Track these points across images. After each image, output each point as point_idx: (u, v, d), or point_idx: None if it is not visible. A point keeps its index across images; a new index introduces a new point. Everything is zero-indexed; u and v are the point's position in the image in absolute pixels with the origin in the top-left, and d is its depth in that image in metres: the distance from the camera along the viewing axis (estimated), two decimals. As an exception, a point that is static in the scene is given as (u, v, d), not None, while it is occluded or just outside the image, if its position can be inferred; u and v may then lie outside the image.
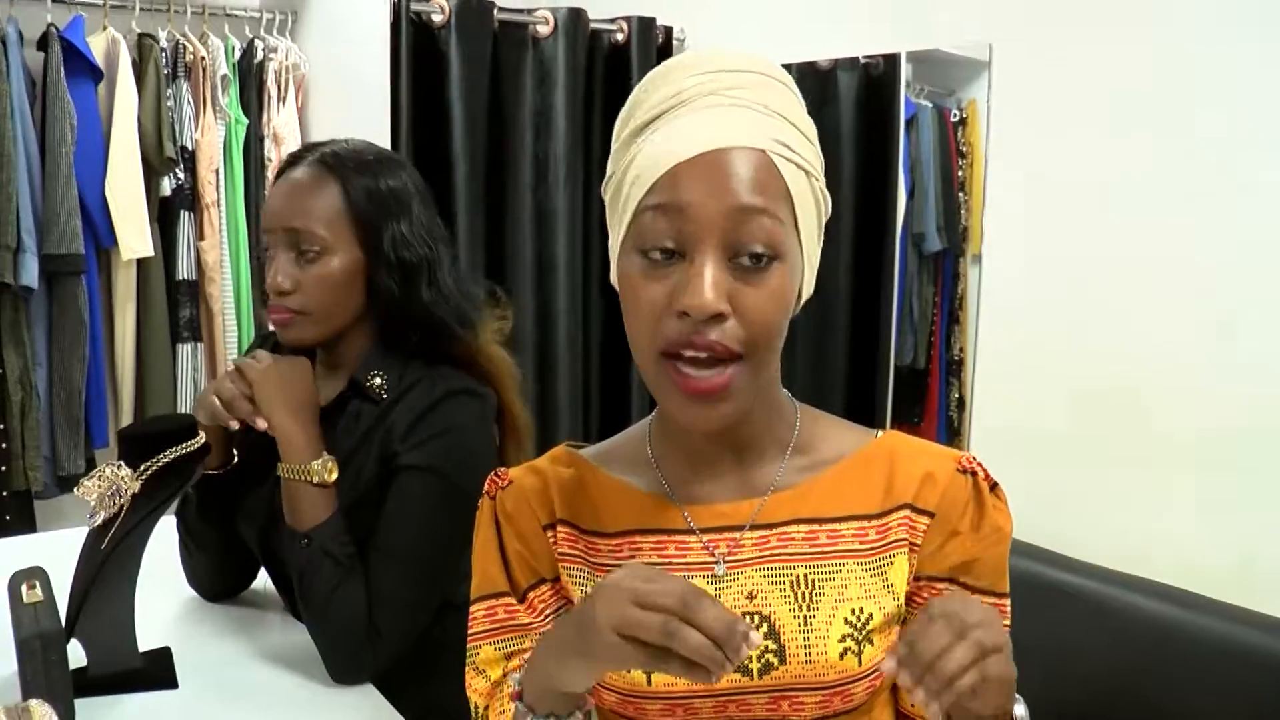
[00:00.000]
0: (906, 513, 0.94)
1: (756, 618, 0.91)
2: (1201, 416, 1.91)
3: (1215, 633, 1.88)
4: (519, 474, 1.02)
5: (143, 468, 1.25)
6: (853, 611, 0.91)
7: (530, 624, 0.98)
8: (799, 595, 0.91)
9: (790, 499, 0.94)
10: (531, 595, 0.99)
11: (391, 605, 1.31)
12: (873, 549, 0.94)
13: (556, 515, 0.98)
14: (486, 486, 1.02)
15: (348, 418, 1.42)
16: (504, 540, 0.99)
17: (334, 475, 1.34)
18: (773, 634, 0.90)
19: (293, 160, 1.44)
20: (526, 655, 0.96)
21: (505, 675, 0.97)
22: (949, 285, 3.20)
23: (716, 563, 0.93)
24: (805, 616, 0.91)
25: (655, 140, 0.85)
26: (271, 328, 1.46)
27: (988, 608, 0.78)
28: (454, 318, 1.44)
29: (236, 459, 1.46)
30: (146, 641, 1.34)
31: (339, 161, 1.41)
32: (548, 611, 0.99)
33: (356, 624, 1.30)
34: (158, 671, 1.32)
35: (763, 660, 0.90)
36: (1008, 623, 0.95)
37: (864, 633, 0.91)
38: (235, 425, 1.37)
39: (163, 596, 1.55)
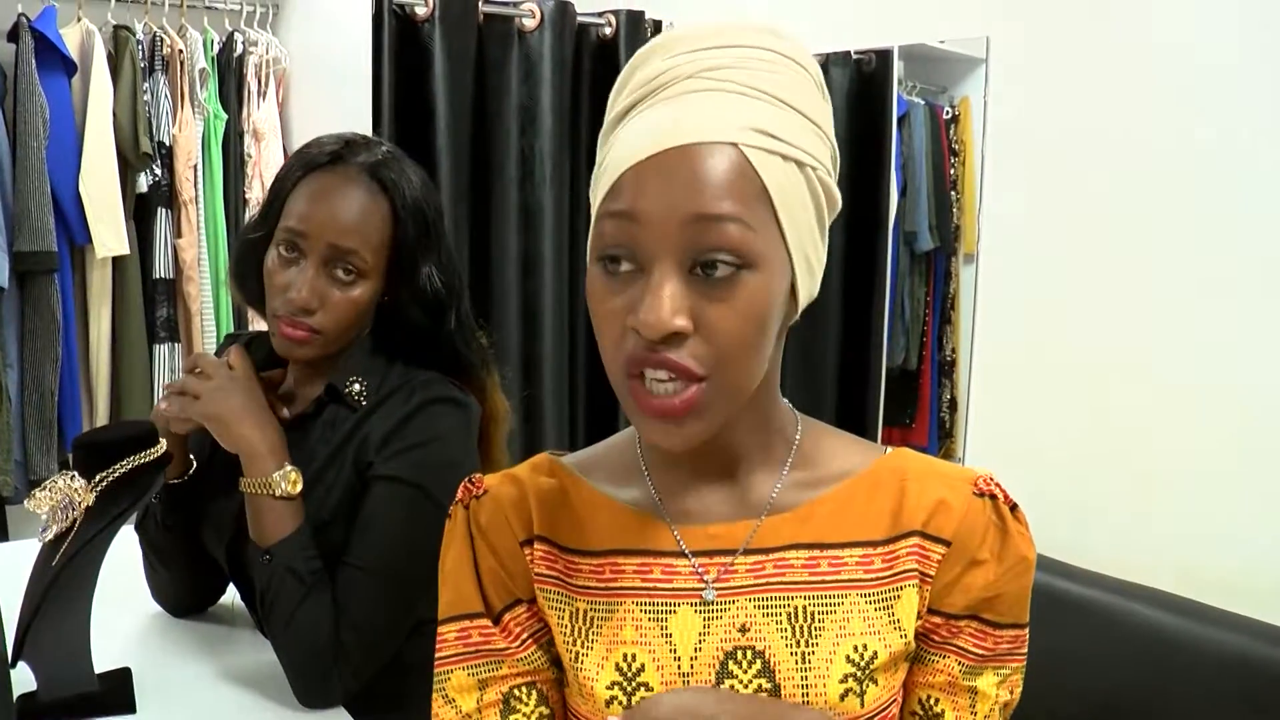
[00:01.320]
0: (917, 540, 0.86)
1: (750, 653, 0.83)
2: (1203, 421, 1.86)
3: (1215, 641, 1.83)
4: (495, 482, 0.94)
5: (98, 478, 1.18)
6: (855, 649, 0.83)
7: (506, 649, 0.90)
8: (797, 629, 0.83)
9: (789, 521, 0.86)
10: (507, 618, 0.91)
11: (360, 624, 1.24)
12: (878, 579, 0.85)
13: (535, 531, 0.90)
14: (459, 494, 0.94)
15: (323, 425, 1.35)
16: (478, 556, 0.91)
17: (297, 487, 1.27)
18: (766, 672, 0.83)
19: (334, 158, 1.33)
20: (504, 684, 0.89)
21: (480, 709, 0.90)
22: (941, 285, 3.15)
23: (705, 588, 0.85)
24: (804, 653, 0.83)
25: (623, 137, 0.77)
26: (257, 328, 1.39)
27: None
28: (478, 356, 1.41)
29: (195, 466, 1.40)
30: (104, 662, 1.26)
31: (394, 183, 1.33)
32: (524, 636, 0.91)
33: (322, 644, 1.23)
34: (114, 695, 1.25)
35: None
36: (1024, 655, 0.89)
37: (867, 672, 0.83)
38: (183, 429, 1.32)
39: (123, 612, 1.48)
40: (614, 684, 0.84)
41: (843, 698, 0.82)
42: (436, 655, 0.92)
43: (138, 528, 1.45)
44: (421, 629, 1.32)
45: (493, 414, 1.43)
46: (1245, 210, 1.77)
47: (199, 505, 1.41)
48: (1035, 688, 1.24)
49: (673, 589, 0.86)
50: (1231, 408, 1.82)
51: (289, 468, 1.27)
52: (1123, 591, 1.95)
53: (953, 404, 3.07)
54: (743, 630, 0.84)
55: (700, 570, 0.86)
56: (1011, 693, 0.89)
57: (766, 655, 0.83)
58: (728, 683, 0.83)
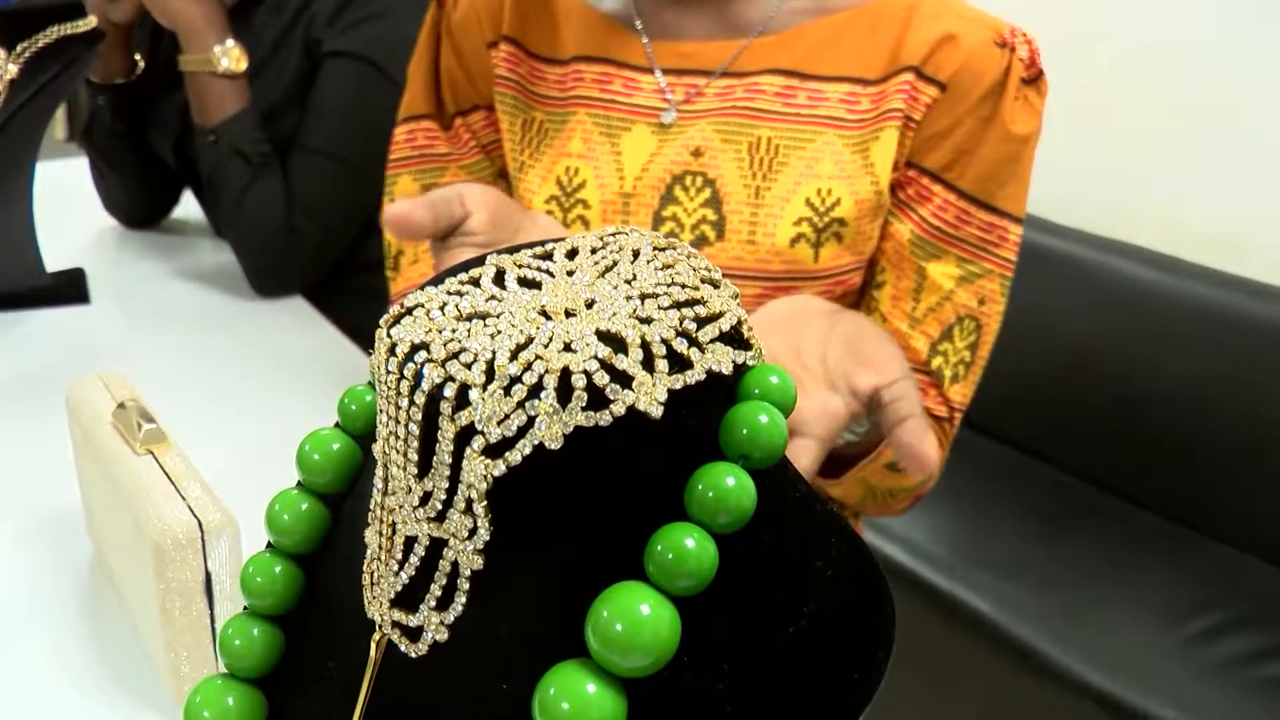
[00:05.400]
0: (909, 78, 0.75)
1: (700, 180, 0.76)
2: (1197, 71, 1.77)
3: (1194, 296, 1.83)
4: None
5: (20, 47, 1.09)
6: (818, 192, 0.75)
7: (449, 154, 0.87)
8: (756, 161, 0.75)
9: (773, 45, 0.77)
10: (459, 123, 0.88)
11: (313, 206, 1.19)
12: (861, 120, 0.76)
13: (504, 31, 0.84)
14: None
15: (269, 9, 1.25)
16: (440, 57, 0.87)
17: (241, 64, 1.18)
18: (714, 202, 0.76)
19: None
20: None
21: None
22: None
23: (666, 109, 0.78)
24: (758, 188, 0.75)
25: None
26: None
27: None
28: None
29: (142, 65, 1.31)
30: (57, 265, 1.22)
31: None
32: (473, 144, 0.88)
33: (272, 225, 1.18)
34: (66, 289, 1.21)
35: (697, 231, 0.76)
36: (1010, 259, 0.78)
37: (825, 220, 0.75)
38: (123, 17, 1.21)
39: (76, 222, 1.43)
40: (551, 198, 0.79)
41: (793, 243, 0.75)
42: (389, 158, 0.90)
43: (84, 136, 1.38)
44: (377, 227, 1.28)
45: None
46: None
47: (146, 107, 1.33)
48: (1012, 343, 1.23)
49: (631, 104, 0.79)
50: (1233, 63, 1.73)
51: (230, 43, 1.17)
52: (1109, 249, 1.93)
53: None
54: (696, 154, 0.77)
55: (666, 89, 0.79)
56: (981, 302, 0.78)
57: (717, 185, 0.76)
58: (669, 209, 0.76)
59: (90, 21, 1.13)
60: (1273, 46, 1.69)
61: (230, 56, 1.17)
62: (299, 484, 0.39)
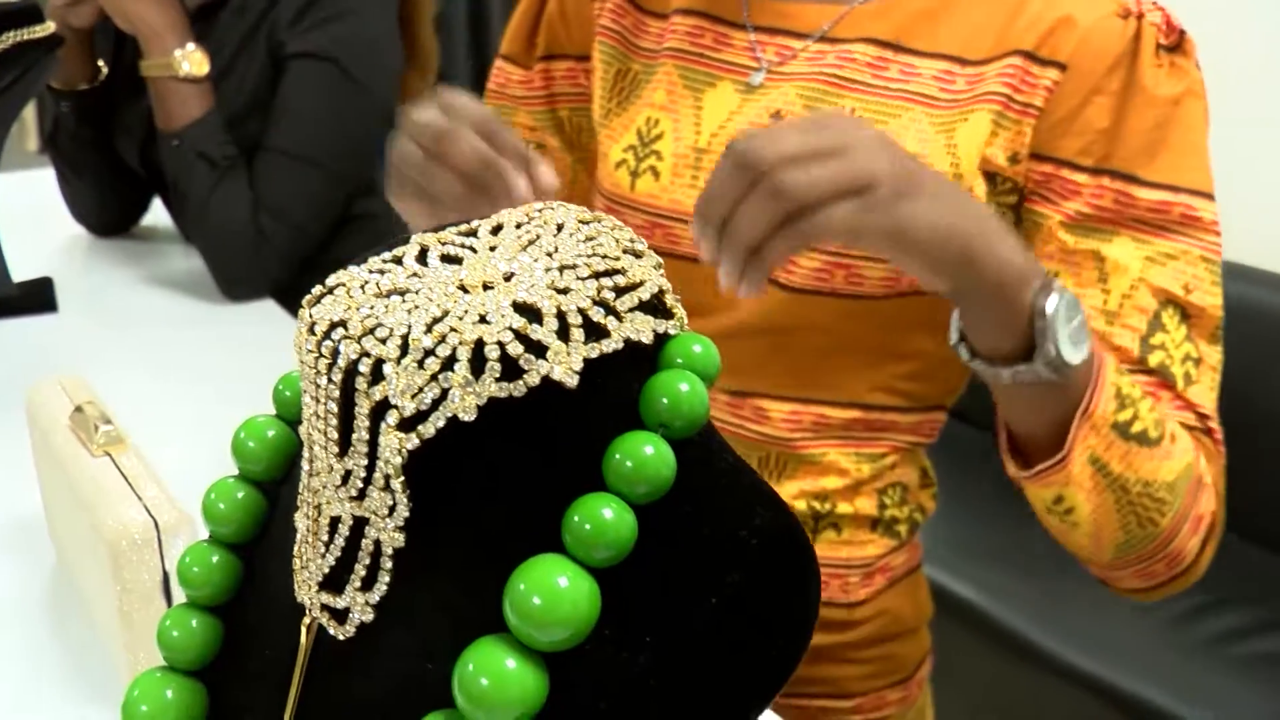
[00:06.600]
0: (1017, 62, 0.68)
1: None
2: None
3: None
4: None
5: (-24, 54, 1.08)
6: None
7: (524, 97, 0.87)
8: None
9: (873, 12, 0.72)
10: (539, 67, 0.87)
11: (280, 209, 1.18)
12: (954, 101, 0.70)
13: None
14: None
15: (232, 12, 1.24)
16: (548, 1, 0.86)
17: (203, 68, 1.17)
18: None
19: None
20: (517, 132, 0.85)
21: None
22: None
23: (757, 69, 0.74)
24: None
25: None
26: None
27: (834, 121, 0.57)
28: None
29: (105, 71, 1.30)
30: (24, 275, 1.21)
31: None
32: (545, 92, 0.87)
33: (238, 228, 1.17)
34: (34, 298, 1.20)
35: None
36: (1209, 239, 0.67)
37: None
38: (82, 21, 1.20)
39: (45, 232, 1.42)
40: (629, 148, 0.77)
41: None
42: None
43: (49, 143, 1.37)
44: (358, 224, 1.28)
45: (415, 52, 1.32)
46: None
47: (111, 112, 1.32)
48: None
49: (719, 60, 0.76)
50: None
51: (191, 47, 1.16)
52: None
53: None
54: (775, 117, 0.73)
55: (755, 45, 0.75)
56: (1186, 289, 0.66)
57: None
58: None
59: (49, 27, 1.12)
60: None
61: (191, 60, 1.16)
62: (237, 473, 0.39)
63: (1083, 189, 0.67)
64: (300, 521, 0.33)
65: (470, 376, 0.27)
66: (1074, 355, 0.57)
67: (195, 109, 1.17)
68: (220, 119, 1.19)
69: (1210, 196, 0.68)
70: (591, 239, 0.32)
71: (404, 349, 0.28)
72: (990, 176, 0.70)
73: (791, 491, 0.76)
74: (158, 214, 1.47)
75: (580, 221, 0.33)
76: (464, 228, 0.34)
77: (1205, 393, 0.68)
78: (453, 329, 0.28)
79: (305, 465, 0.33)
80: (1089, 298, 0.67)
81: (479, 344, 0.27)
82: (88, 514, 0.62)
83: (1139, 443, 0.61)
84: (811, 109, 0.72)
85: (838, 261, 0.70)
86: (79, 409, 0.68)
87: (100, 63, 1.30)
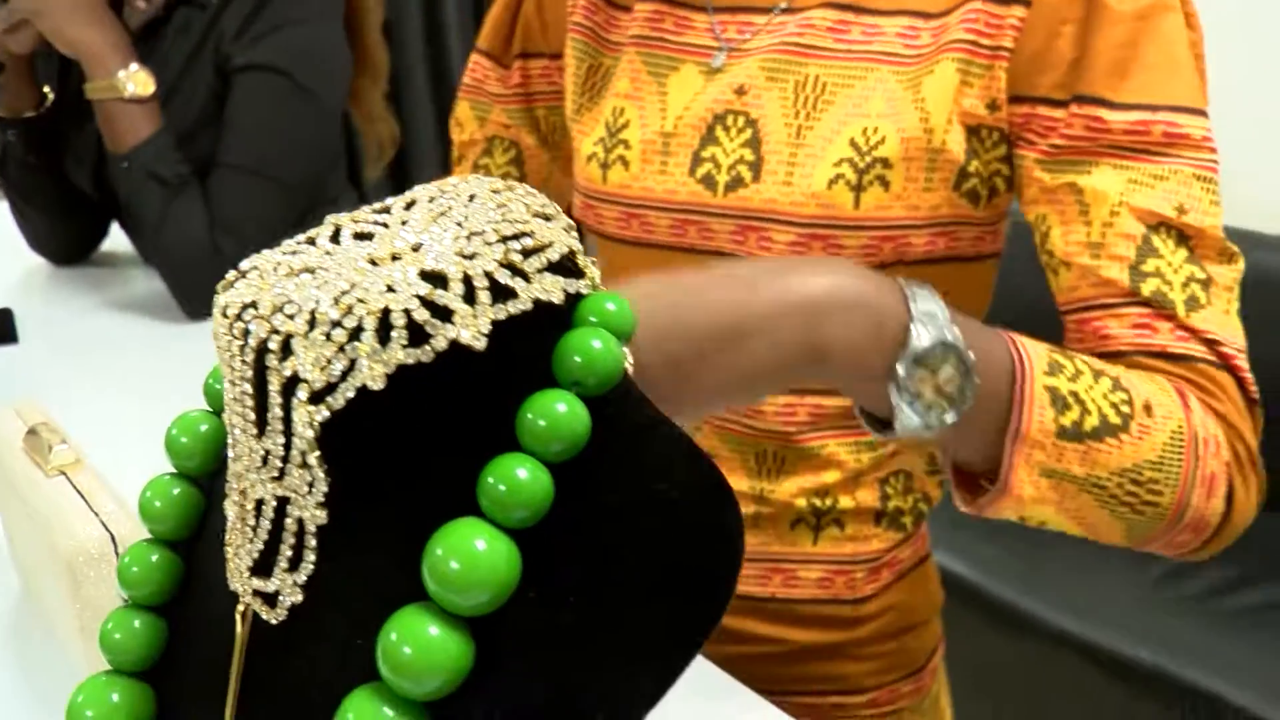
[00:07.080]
0: (977, 5, 0.66)
1: (742, 120, 0.71)
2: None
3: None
4: None
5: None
6: (864, 131, 0.67)
7: (499, 94, 0.88)
8: (801, 100, 0.70)
9: None
10: (517, 65, 0.87)
11: (235, 224, 1.18)
12: (919, 55, 0.68)
13: None
14: None
15: (175, 31, 1.23)
16: (524, 1, 0.87)
17: (149, 88, 1.16)
18: (754, 142, 0.71)
19: None
20: (490, 128, 0.89)
21: (472, 141, 0.90)
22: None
23: (718, 50, 0.74)
24: (799, 127, 0.69)
25: None
26: None
27: None
28: None
29: (52, 97, 1.29)
30: (-19, 305, 1.21)
31: None
32: (521, 91, 0.88)
33: (195, 245, 1.17)
34: (-6, 328, 1.20)
35: (732, 173, 0.71)
36: (1201, 158, 0.63)
37: (868, 160, 0.68)
38: (21, 48, 1.20)
39: (4, 263, 1.41)
40: (599, 140, 0.77)
41: (830, 184, 0.68)
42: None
43: (-1, 175, 1.36)
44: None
45: (359, 2, 1.31)
46: None
47: (60, 138, 1.31)
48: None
49: (680, 43, 0.76)
50: None
51: (135, 67, 1.16)
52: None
53: None
54: (739, 92, 0.72)
55: (717, 28, 0.75)
56: (1181, 210, 0.62)
57: (759, 124, 0.71)
58: (709, 150, 0.72)
59: (-11, 61, 1.12)
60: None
61: (136, 81, 1.15)
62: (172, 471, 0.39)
63: (1057, 125, 0.64)
64: (229, 508, 0.33)
65: (377, 345, 0.27)
66: (951, 415, 0.49)
67: (144, 129, 1.16)
68: (170, 138, 1.18)
69: (1199, 111, 0.63)
70: (503, 206, 0.31)
71: (312, 323, 0.28)
72: (975, 131, 0.67)
73: (791, 490, 0.75)
74: (117, 239, 1.46)
75: (492, 191, 0.33)
76: (377, 205, 0.34)
77: (1218, 316, 0.62)
78: (359, 300, 0.28)
79: (230, 451, 0.32)
80: (1073, 233, 0.63)
81: (385, 313, 0.27)
82: (45, 534, 0.61)
83: (1097, 438, 0.56)
84: (774, 80, 0.71)
85: (813, 233, 0.68)
86: (32, 431, 0.68)
87: (46, 89, 1.30)
